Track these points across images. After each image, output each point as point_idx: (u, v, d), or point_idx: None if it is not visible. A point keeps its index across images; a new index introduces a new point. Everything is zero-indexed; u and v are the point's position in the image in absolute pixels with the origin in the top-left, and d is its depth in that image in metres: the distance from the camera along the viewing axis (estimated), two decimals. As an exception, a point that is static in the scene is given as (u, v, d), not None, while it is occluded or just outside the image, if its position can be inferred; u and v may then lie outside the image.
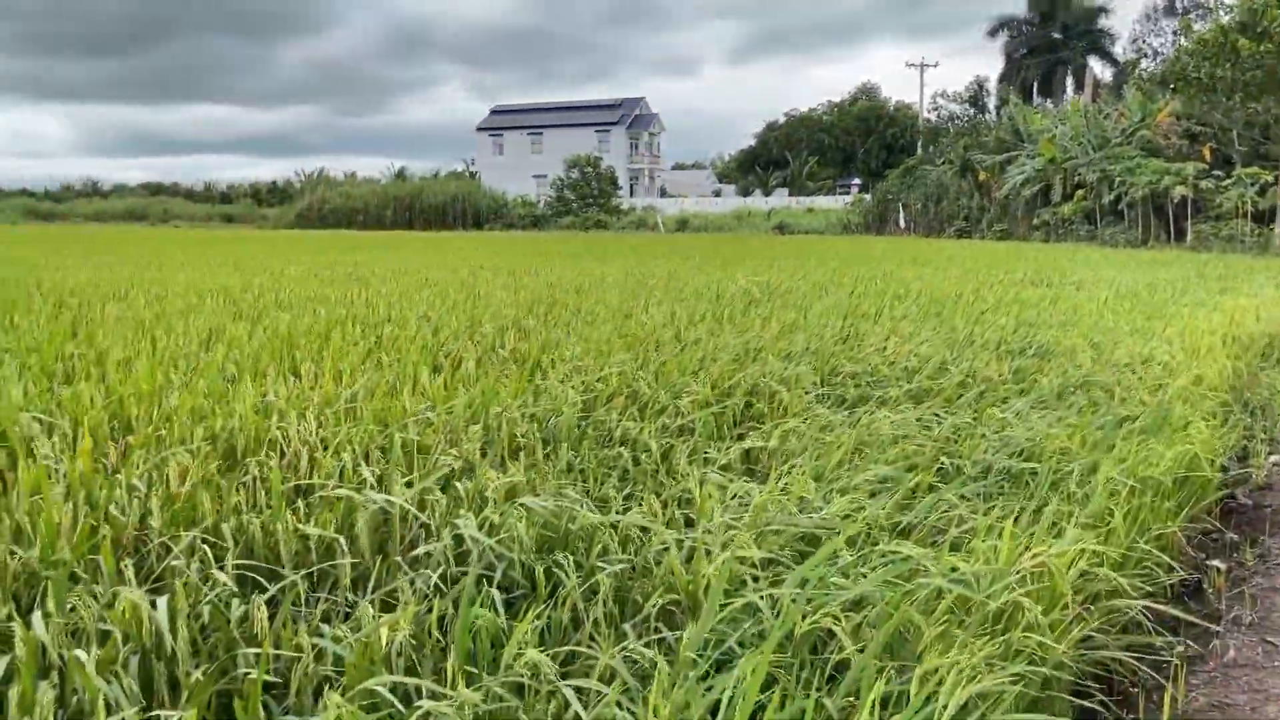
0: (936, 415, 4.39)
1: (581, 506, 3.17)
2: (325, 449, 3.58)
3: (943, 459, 3.72)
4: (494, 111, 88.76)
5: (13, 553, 2.47)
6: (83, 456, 3.02)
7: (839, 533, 2.79)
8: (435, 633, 2.38)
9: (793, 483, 3.29)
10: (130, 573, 2.43)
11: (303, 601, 2.51)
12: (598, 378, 4.87)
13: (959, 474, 3.61)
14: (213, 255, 18.00)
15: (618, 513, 3.16)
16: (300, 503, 3.00)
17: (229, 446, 3.68)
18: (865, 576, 2.56)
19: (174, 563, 2.40)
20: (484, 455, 3.64)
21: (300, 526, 2.74)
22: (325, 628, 2.32)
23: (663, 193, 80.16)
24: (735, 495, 3.19)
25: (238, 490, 3.08)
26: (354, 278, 12.23)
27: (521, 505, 2.89)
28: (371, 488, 3.13)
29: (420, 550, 2.71)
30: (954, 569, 2.53)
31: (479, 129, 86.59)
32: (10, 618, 2.18)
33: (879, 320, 7.57)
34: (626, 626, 2.42)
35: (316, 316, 7.34)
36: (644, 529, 2.96)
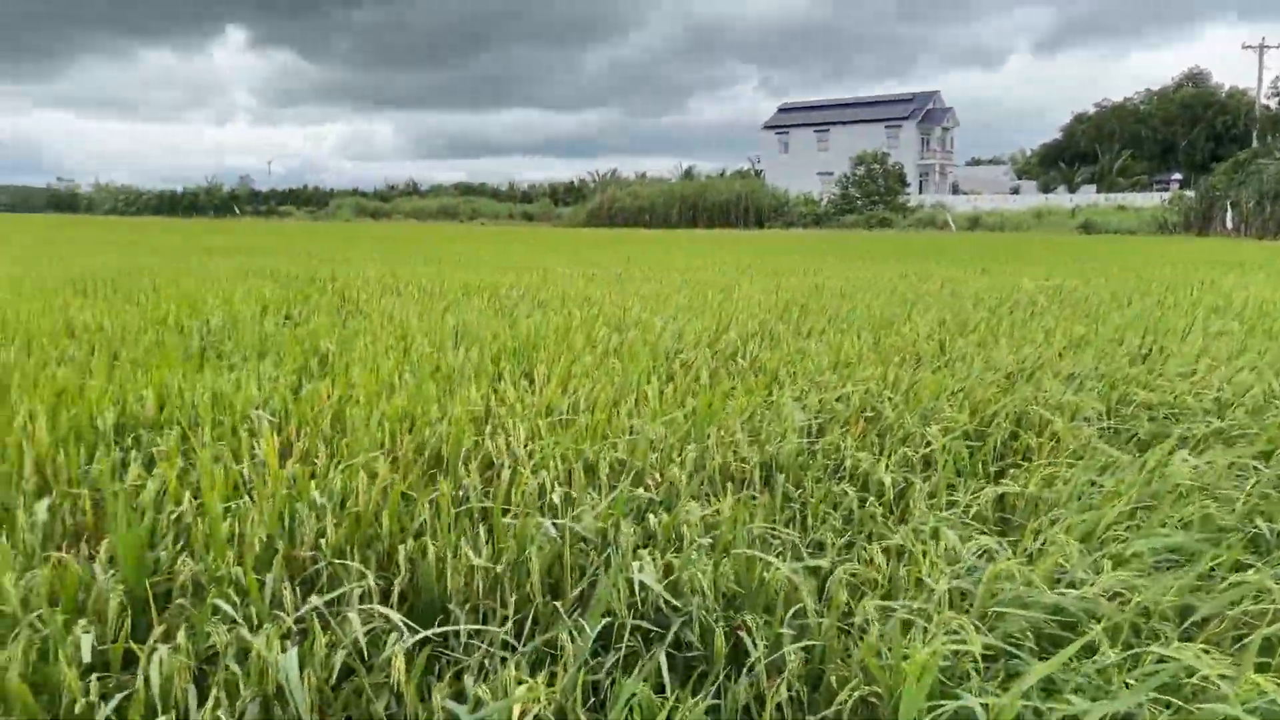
0: (1254, 464, 3.56)
1: (787, 552, 2.77)
2: (531, 462, 3.38)
3: (1258, 525, 2.96)
4: (781, 109, 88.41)
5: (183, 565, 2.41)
6: (270, 461, 2.97)
7: (1102, 620, 2.22)
8: (589, 699, 2.08)
9: (1050, 543, 2.70)
10: (288, 596, 2.30)
11: (461, 645, 2.29)
12: (838, 396, 4.40)
13: None
14: (499, 251, 18.88)
15: (832, 563, 2.72)
16: (481, 527, 2.80)
17: (437, 455, 3.57)
18: (1130, 686, 1.98)
19: (313, 599, 2.23)
20: (693, 481, 3.30)
21: (470, 557, 2.52)
22: (469, 683, 2.07)
23: (955, 190, 76.50)
24: (972, 554, 2.64)
25: (425, 507, 2.92)
26: (621, 277, 12.30)
27: (700, 548, 2.51)
28: (558, 513, 2.88)
29: (583, 593, 2.41)
30: (1261, 692, 1.90)
31: (765, 127, 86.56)
32: (154, 642, 2.10)
33: (1188, 338, 6.50)
34: (811, 721, 2.00)
35: (569, 317, 7.30)
36: (859, 589, 2.52)
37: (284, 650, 1.98)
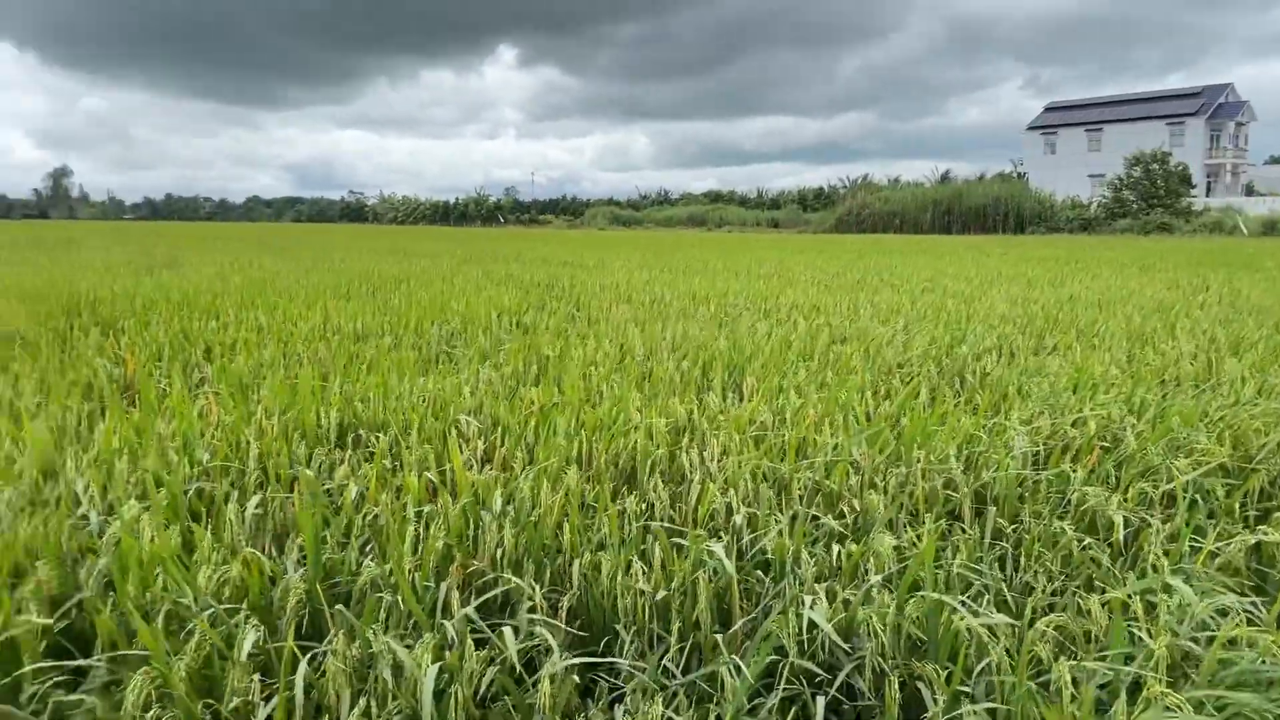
0: None
1: (989, 595, 2.50)
2: (722, 478, 3.27)
3: None
4: (1048, 109, 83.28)
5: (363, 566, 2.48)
6: (458, 468, 3.01)
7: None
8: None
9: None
10: (456, 605, 2.30)
11: (624, 671, 2.21)
12: (1073, 420, 3.98)
13: None
14: (736, 259, 18.84)
15: (1035, 612, 2.43)
16: (657, 545, 2.71)
17: (631, 465, 3.53)
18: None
19: (466, 610, 2.21)
20: (890, 508, 3.06)
21: (638, 578, 2.44)
22: (618, 713, 1.98)
23: (1248, 191, 69.09)
24: (1209, 612, 2.27)
25: (606, 520, 2.86)
26: (859, 284, 11.92)
27: (881, 586, 2.30)
28: (740, 534, 2.76)
29: (755, 623, 2.26)
30: None
31: (1029, 128, 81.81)
32: (323, 636, 2.16)
33: None
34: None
35: (793, 326, 7.12)
36: (1064, 645, 2.23)
37: (436, 661, 1.98)
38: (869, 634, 2.19)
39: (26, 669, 1.99)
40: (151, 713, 1.83)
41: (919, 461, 3.40)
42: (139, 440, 3.56)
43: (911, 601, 2.31)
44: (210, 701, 1.95)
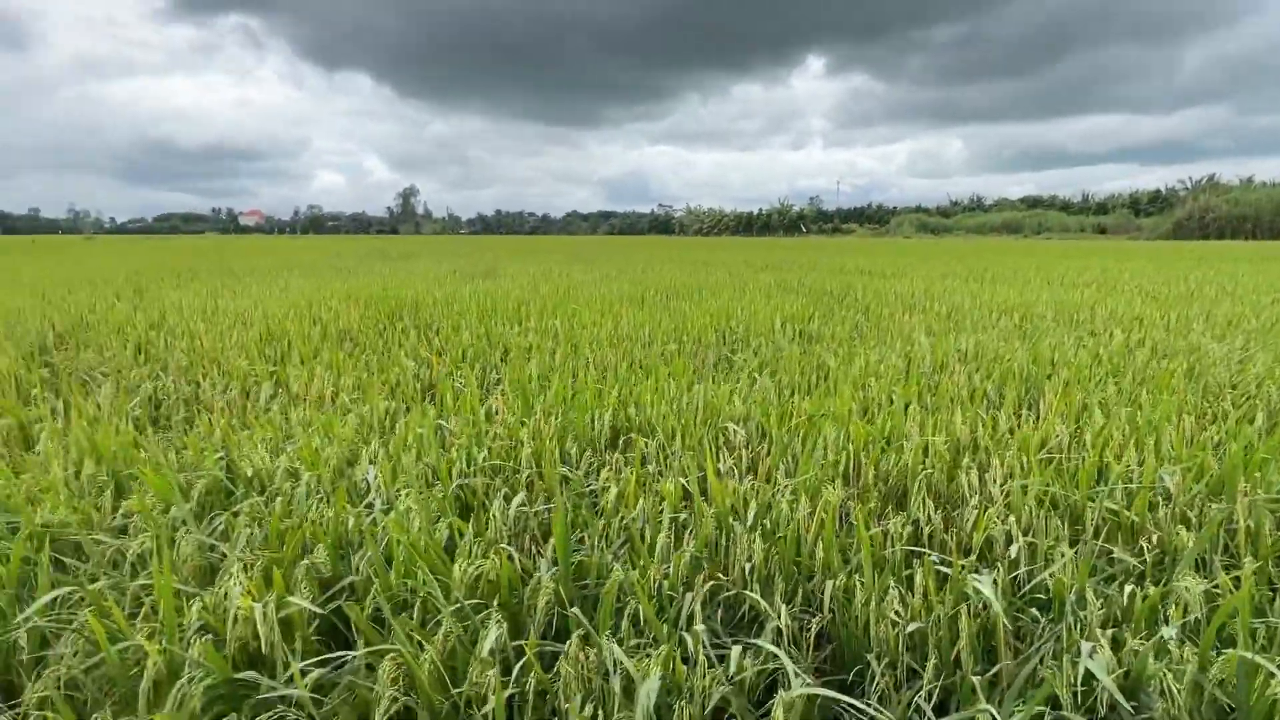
0: None
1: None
2: (1004, 501, 3.00)
3: None
4: None
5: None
6: (711, 478, 2.95)
7: None
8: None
9: None
10: (698, 619, 2.24)
11: (872, 704, 2.05)
12: None
13: None
14: (1052, 267, 17.54)
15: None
16: (920, 572, 2.51)
17: (902, 485, 3.31)
18: None
19: (698, 628, 2.12)
20: (1209, 544, 2.65)
21: (893, 608, 2.26)
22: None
23: None
24: None
25: (867, 541, 2.69)
26: (1193, 294, 10.69)
27: (1178, 638, 1.97)
28: (1017, 565, 2.50)
29: (1029, 666, 2.01)
30: None
31: None
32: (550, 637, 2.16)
33: None
34: None
35: (1108, 338, 6.47)
36: None
37: (663, 674, 1.92)
38: (1160, 692, 1.89)
39: (298, 644, 2.14)
40: (390, 693, 1.90)
41: (1244, 494, 2.93)
42: (431, 436, 3.80)
43: (1219, 659, 1.97)
44: (453, 688, 2.01)
